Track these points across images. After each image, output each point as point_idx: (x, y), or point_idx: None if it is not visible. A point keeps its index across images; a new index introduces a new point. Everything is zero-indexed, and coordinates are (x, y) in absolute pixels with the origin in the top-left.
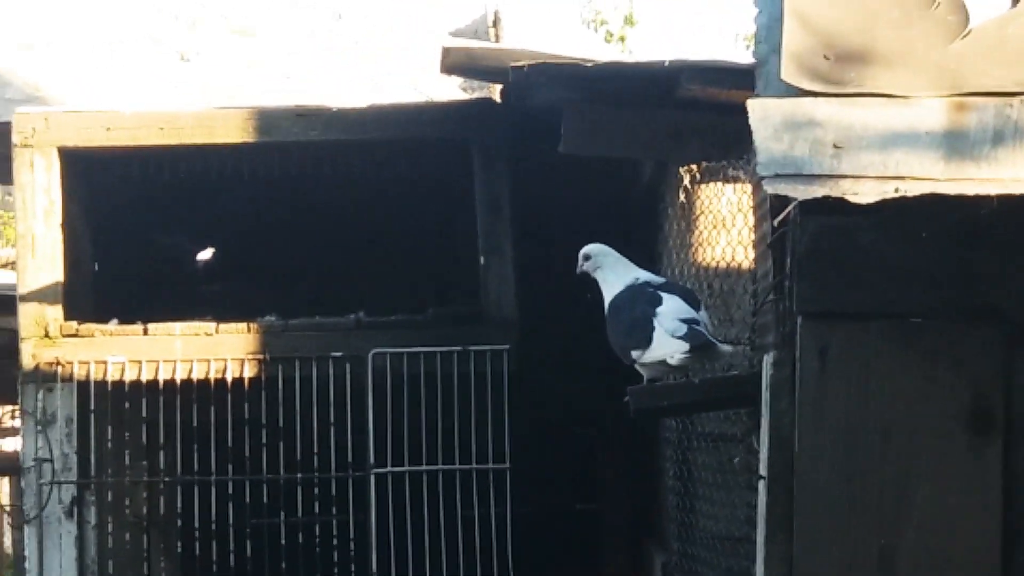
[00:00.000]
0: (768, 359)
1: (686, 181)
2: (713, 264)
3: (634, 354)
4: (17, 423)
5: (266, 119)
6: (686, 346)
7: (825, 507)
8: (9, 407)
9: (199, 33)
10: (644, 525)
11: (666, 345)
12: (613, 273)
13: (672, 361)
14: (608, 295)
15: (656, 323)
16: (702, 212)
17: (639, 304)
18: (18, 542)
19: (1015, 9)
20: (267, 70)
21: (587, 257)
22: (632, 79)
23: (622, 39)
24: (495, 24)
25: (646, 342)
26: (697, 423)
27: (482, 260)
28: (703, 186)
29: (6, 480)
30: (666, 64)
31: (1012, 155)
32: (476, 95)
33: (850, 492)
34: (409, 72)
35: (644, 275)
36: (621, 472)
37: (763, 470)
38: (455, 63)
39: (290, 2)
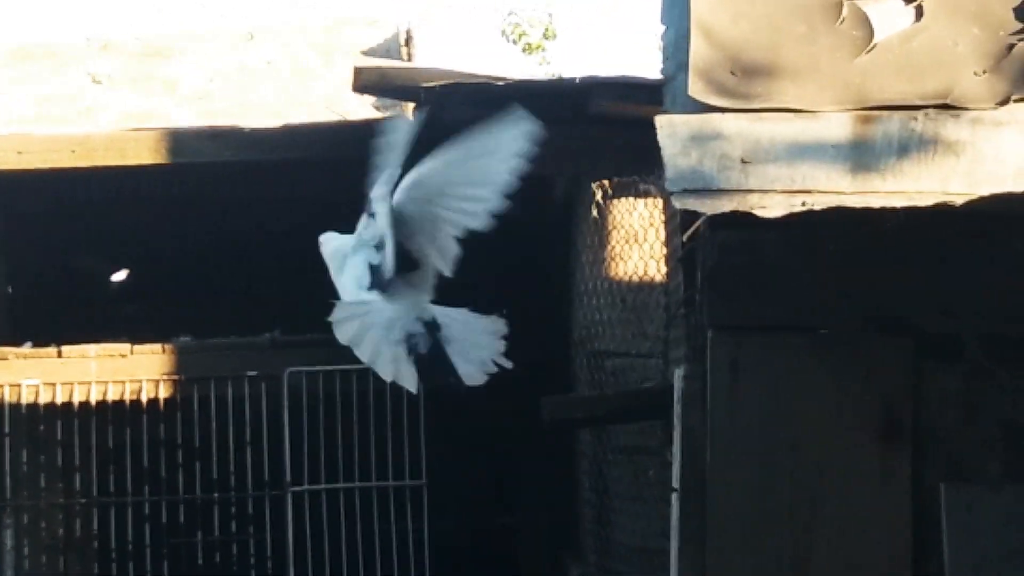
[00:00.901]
0: (680, 372)
1: (599, 196)
2: (626, 278)
3: None
4: None
5: (179, 141)
6: None
7: (737, 519)
8: None
9: (111, 54)
10: (562, 539)
11: None
12: None
13: None
14: None
15: None
16: (615, 227)
17: None
18: None
19: (918, 23)
20: (180, 91)
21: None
22: (543, 96)
23: (540, 48)
24: (407, 43)
25: None
26: (612, 436)
27: None
28: (616, 201)
29: None
30: (577, 81)
31: (917, 168)
32: (389, 113)
33: (762, 504)
34: (322, 92)
35: None
36: (539, 486)
37: (676, 483)
38: (367, 82)
39: (202, 23)
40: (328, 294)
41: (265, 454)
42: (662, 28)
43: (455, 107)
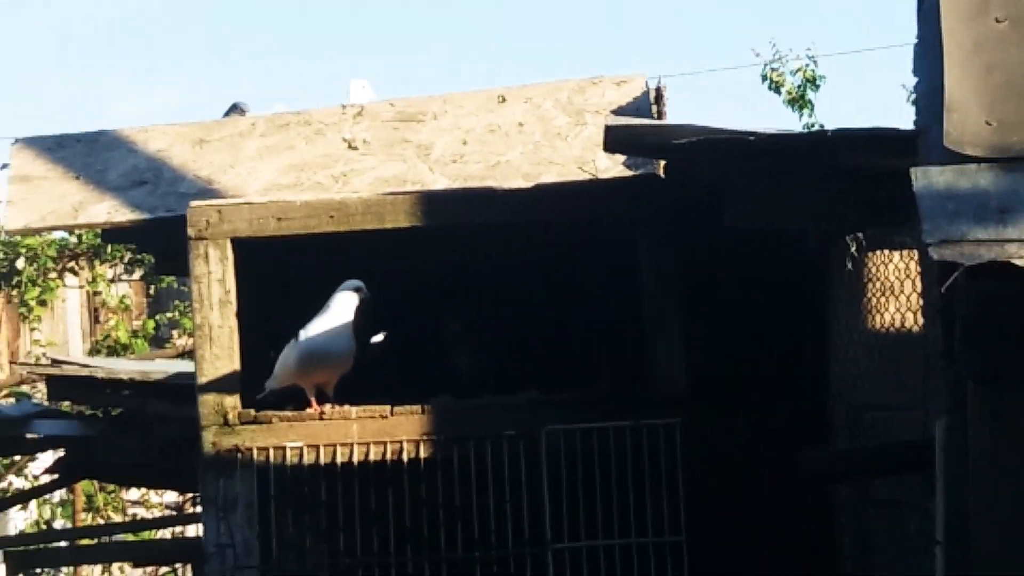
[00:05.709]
0: (941, 425)
1: (852, 248)
2: (883, 330)
3: None
4: (198, 510)
5: (434, 204)
6: None
7: (1004, 570)
8: (190, 494)
9: (366, 120)
10: None
11: None
12: None
13: None
14: None
15: None
16: (870, 279)
17: None
18: None
19: None
20: (433, 155)
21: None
22: (794, 150)
23: (802, 97)
24: (658, 100)
25: None
26: (871, 489)
27: (650, 335)
28: (870, 253)
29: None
30: (828, 134)
31: None
32: (640, 172)
33: None
34: (572, 152)
35: None
36: (798, 541)
37: (940, 535)
38: (617, 141)
39: (454, 87)
40: (574, 353)
41: (525, 512)
42: (914, 80)
43: (706, 163)
